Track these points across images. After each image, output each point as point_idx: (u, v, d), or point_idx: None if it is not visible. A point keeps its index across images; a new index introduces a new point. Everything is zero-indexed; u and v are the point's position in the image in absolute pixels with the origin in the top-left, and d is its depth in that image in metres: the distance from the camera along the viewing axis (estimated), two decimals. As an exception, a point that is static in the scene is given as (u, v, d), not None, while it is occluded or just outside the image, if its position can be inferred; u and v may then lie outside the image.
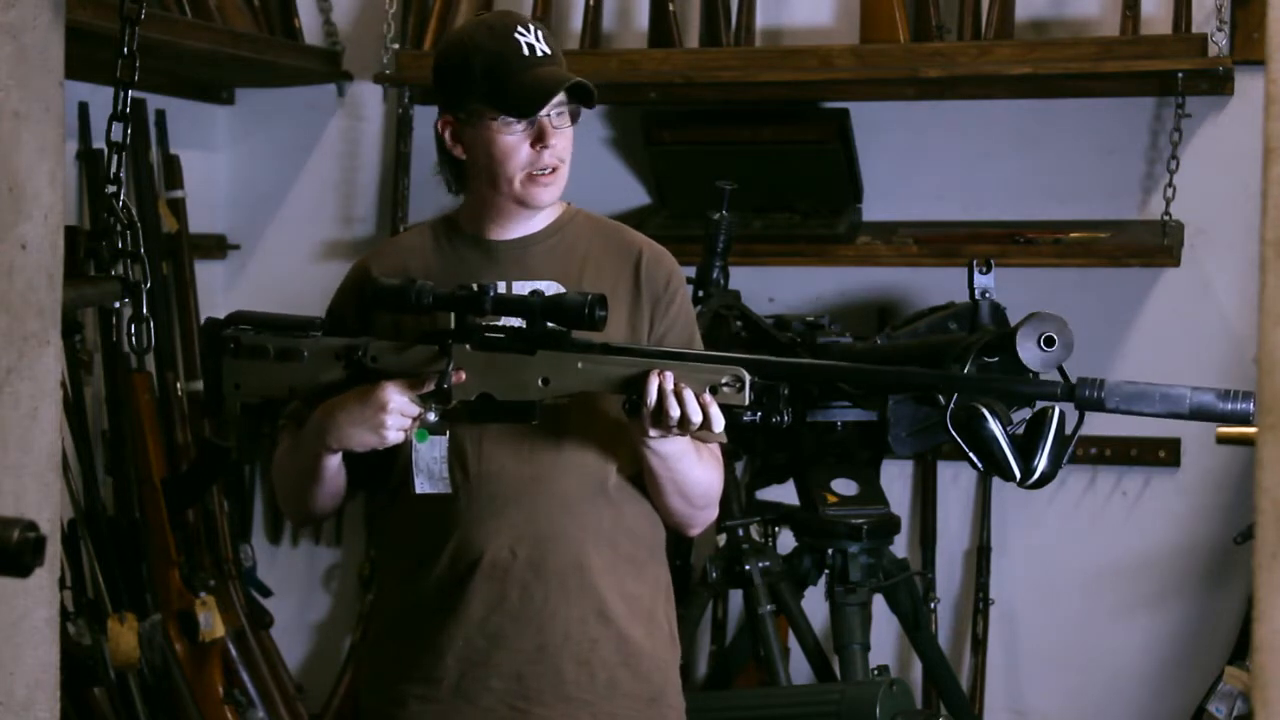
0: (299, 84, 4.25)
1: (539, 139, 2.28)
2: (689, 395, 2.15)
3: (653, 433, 2.19)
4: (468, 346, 2.23)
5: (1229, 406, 2.06)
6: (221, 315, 3.73)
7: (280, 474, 2.43)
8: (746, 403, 2.18)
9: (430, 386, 2.21)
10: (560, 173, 2.31)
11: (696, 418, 2.15)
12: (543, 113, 2.27)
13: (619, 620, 2.34)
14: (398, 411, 2.21)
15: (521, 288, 2.33)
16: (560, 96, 2.27)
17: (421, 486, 2.29)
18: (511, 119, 2.27)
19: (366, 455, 2.31)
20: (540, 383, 2.22)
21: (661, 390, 2.15)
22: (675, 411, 2.15)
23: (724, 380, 2.17)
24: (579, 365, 2.21)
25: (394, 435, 2.22)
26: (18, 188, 2.00)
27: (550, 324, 2.22)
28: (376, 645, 2.45)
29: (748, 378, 2.17)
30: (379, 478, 2.41)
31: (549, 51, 2.29)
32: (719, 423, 2.18)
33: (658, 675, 2.39)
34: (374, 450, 2.27)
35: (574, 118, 2.33)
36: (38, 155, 2.04)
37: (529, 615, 2.31)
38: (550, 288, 2.33)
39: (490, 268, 2.35)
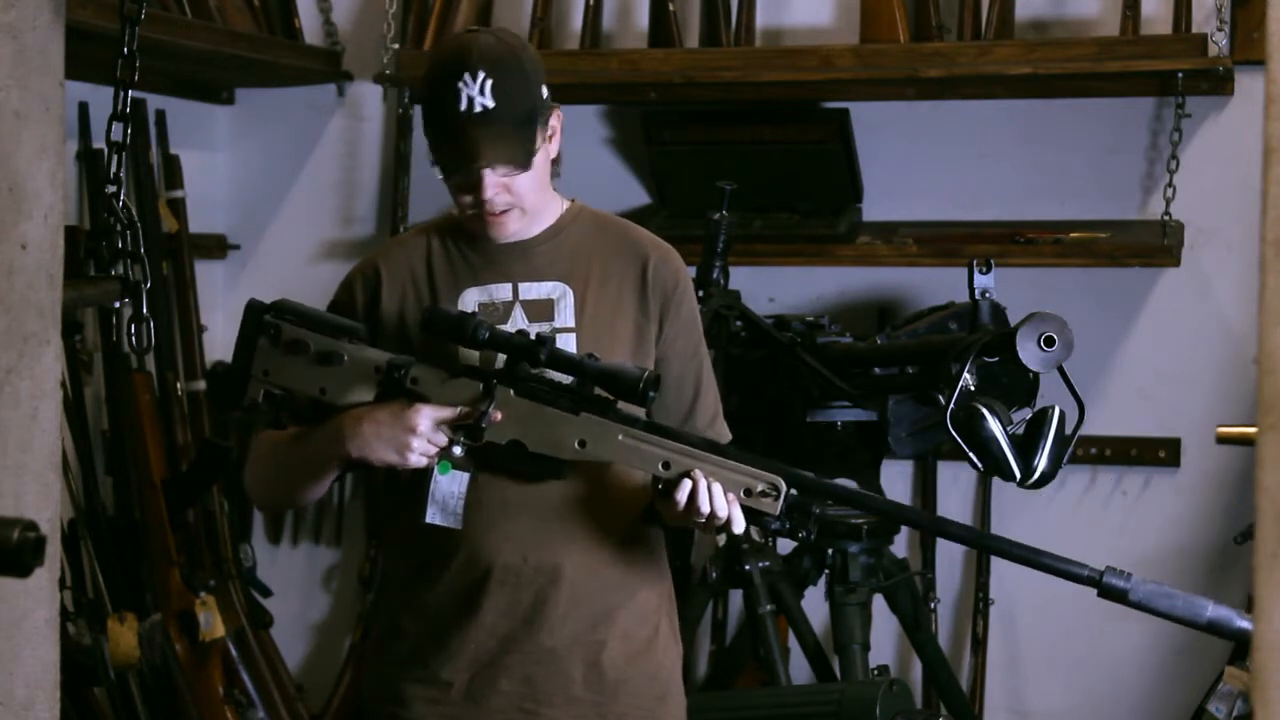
0: (299, 84, 4.25)
1: (474, 190, 2.25)
2: (719, 495, 2.17)
3: (676, 515, 2.20)
4: (512, 391, 2.22)
5: (1243, 625, 2.12)
6: (222, 315, 3.73)
7: (271, 458, 2.39)
8: (777, 513, 2.19)
9: (465, 421, 2.20)
10: (517, 211, 2.28)
11: (722, 516, 2.17)
12: (481, 169, 2.22)
13: (627, 621, 2.35)
14: (425, 437, 2.20)
15: (527, 289, 2.33)
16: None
17: (432, 517, 2.26)
18: (445, 173, 2.26)
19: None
20: (577, 444, 2.21)
21: (695, 489, 2.17)
22: (705, 509, 2.16)
23: (759, 487, 2.18)
24: (619, 437, 2.20)
25: (416, 459, 2.21)
26: (18, 188, 2.00)
27: (598, 390, 2.21)
28: (381, 645, 2.44)
29: (784, 489, 2.17)
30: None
31: (489, 105, 2.20)
32: (739, 525, 2.19)
33: (664, 675, 2.40)
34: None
35: (546, 119, 2.27)
36: (38, 155, 2.04)
37: (540, 619, 2.31)
38: (557, 289, 2.33)
39: (494, 268, 2.35)
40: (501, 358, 2.25)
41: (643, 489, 2.34)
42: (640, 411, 2.25)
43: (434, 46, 2.40)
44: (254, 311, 2.31)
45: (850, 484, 3.46)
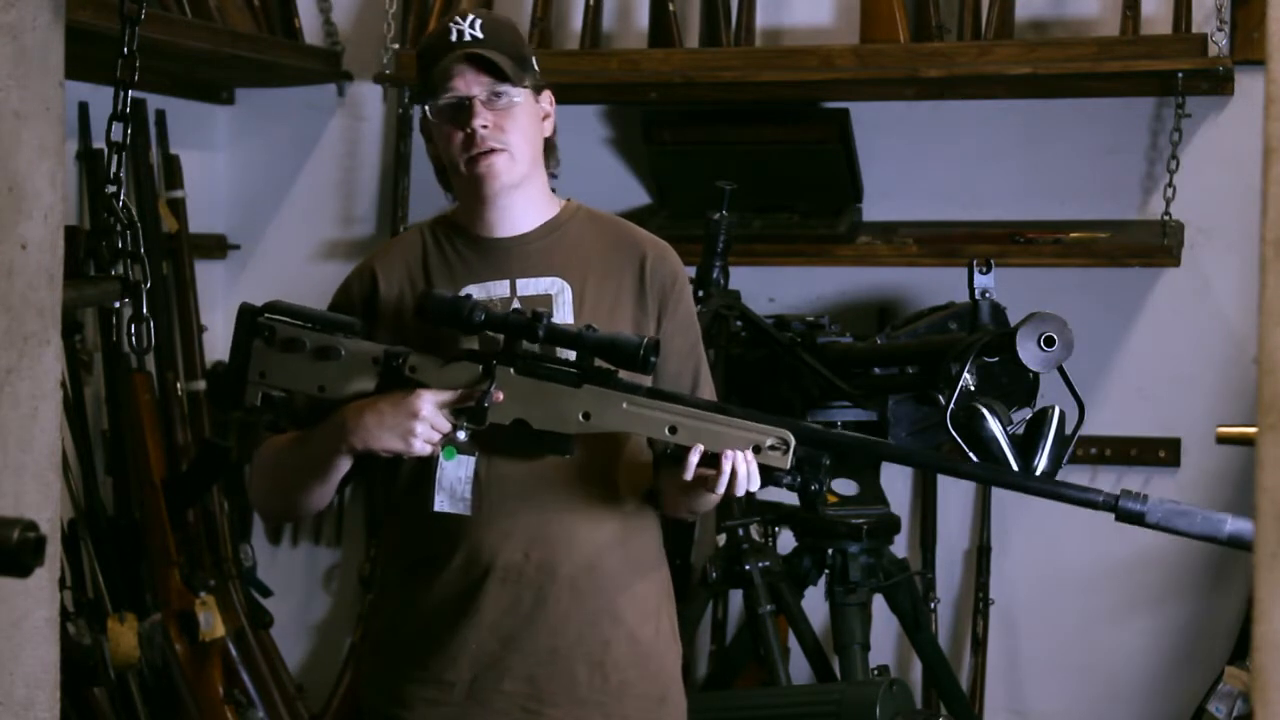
0: (299, 84, 4.25)
1: (463, 120, 2.27)
2: (743, 460, 2.16)
3: (688, 480, 2.20)
4: (512, 370, 2.21)
5: None
6: (222, 315, 3.72)
7: (274, 466, 2.38)
8: (788, 466, 2.18)
9: (467, 404, 2.20)
10: (507, 155, 2.29)
11: (740, 480, 2.16)
12: (472, 93, 2.27)
13: (629, 621, 2.35)
14: (429, 422, 2.19)
15: (525, 285, 2.33)
16: (488, 80, 2.27)
17: (441, 504, 2.26)
18: (438, 105, 2.28)
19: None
20: (581, 417, 2.20)
21: (706, 450, 2.16)
22: (725, 476, 2.16)
23: (769, 442, 2.17)
24: (624, 405, 2.20)
25: (420, 446, 2.20)
26: (18, 188, 2.00)
27: (599, 361, 2.21)
28: (380, 645, 2.44)
29: (792, 441, 2.17)
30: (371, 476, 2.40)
31: (479, 36, 2.29)
32: (755, 482, 2.18)
33: (665, 675, 2.40)
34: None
35: (537, 91, 2.33)
36: (38, 155, 2.04)
37: (542, 618, 2.30)
38: (555, 285, 2.33)
39: (493, 266, 2.34)
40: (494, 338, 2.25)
41: (642, 480, 2.34)
42: (643, 382, 2.25)
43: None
44: (247, 314, 2.30)
45: (852, 484, 3.47)
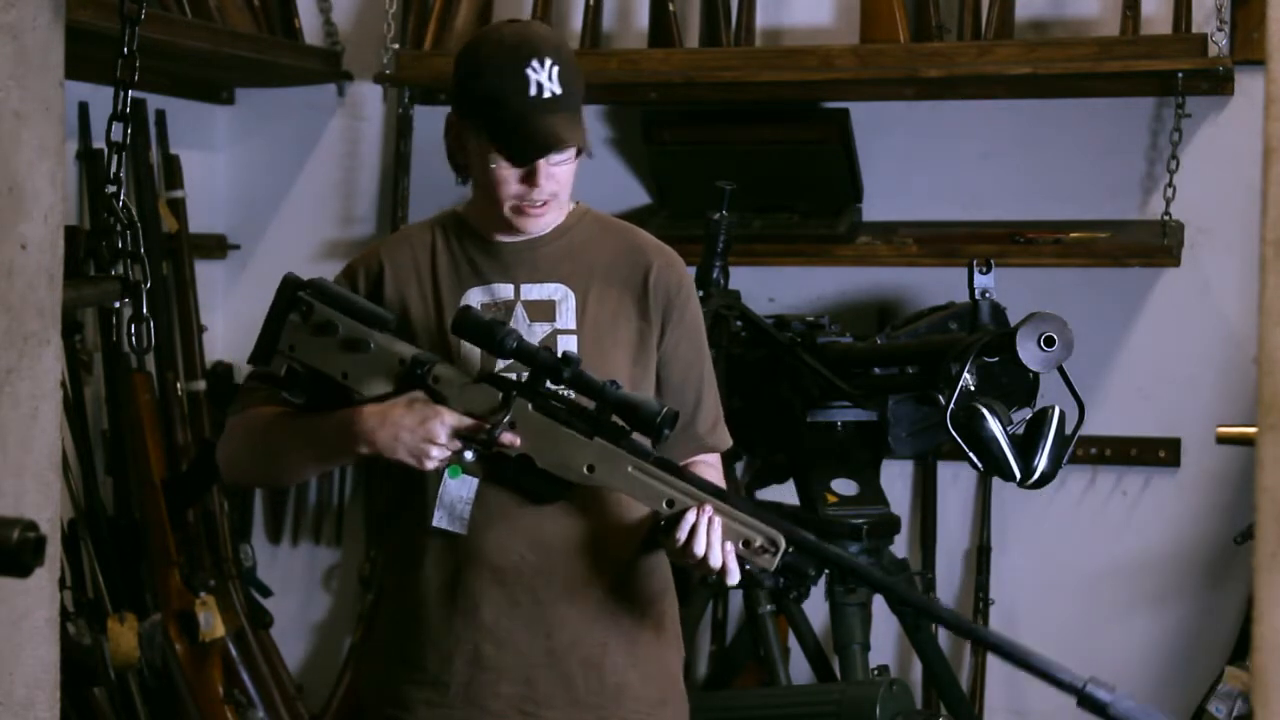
0: (299, 84, 4.25)
1: (529, 179, 2.25)
2: (716, 539, 2.17)
3: (675, 552, 2.22)
4: (530, 406, 2.22)
5: None
6: (222, 315, 3.70)
7: (264, 436, 2.37)
8: (772, 569, 2.20)
9: (481, 432, 2.20)
10: (554, 203, 2.28)
11: (716, 564, 2.17)
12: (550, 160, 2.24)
13: (628, 623, 2.34)
14: (442, 445, 2.20)
15: (530, 290, 2.32)
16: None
17: (439, 521, 2.27)
18: (508, 153, 2.23)
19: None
20: (586, 468, 2.21)
21: (695, 528, 2.17)
22: (700, 551, 2.17)
23: (758, 542, 2.18)
24: (629, 469, 2.20)
25: (432, 465, 2.22)
26: (18, 188, 2.01)
27: (615, 419, 2.20)
28: (379, 645, 2.44)
29: (782, 546, 2.17)
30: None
31: (558, 92, 2.21)
32: (734, 576, 2.20)
33: (665, 677, 2.39)
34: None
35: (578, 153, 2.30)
36: (38, 155, 2.04)
37: (539, 620, 2.30)
38: (559, 291, 2.33)
39: (499, 269, 2.34)
40: (502, 363, 2.26)
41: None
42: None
43: (476, 39, 2.34)
44: (289, 286, 2.31)
45: (852, 484, 3.46)
